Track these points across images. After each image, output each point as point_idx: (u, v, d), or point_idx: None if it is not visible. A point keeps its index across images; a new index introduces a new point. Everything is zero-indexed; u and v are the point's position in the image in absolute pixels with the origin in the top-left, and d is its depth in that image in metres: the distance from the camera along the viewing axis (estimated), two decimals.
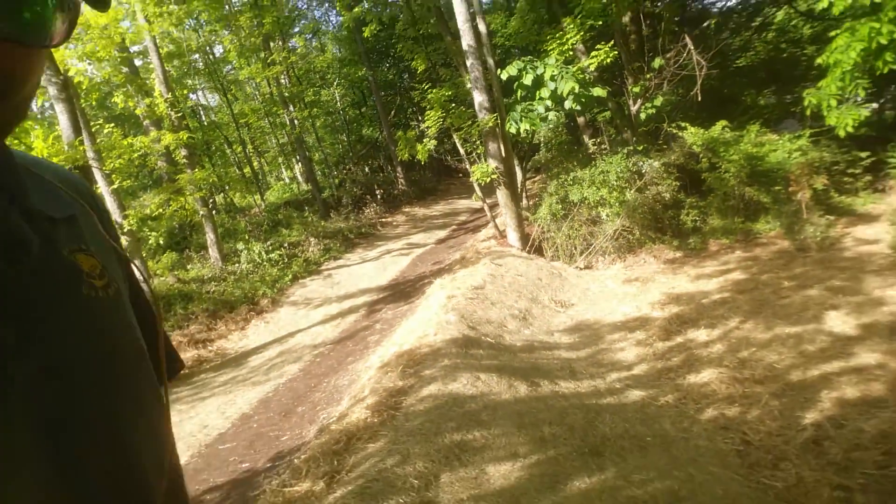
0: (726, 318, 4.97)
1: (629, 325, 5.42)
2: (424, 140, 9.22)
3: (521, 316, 5.72)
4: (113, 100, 10.82)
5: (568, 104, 8.03)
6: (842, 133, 5.83)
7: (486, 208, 9.18)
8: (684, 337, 4.84)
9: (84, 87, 9.21)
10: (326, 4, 20.51)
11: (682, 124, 8.18)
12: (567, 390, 4.12)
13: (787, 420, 3.27)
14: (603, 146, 9.83)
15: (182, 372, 6.57)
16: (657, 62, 8.70)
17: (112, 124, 9.60)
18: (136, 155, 8.54)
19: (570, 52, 8.81)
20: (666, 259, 7.25)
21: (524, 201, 9.51)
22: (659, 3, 10.69)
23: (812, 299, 4.89)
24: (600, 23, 9.10)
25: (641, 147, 8.62)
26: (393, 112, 18.09)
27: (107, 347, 0.49)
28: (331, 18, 21.97)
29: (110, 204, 8.58)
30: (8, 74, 0.37)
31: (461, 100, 10.26)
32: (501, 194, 8.19)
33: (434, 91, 9.38)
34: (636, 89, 9.02)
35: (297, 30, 18.60)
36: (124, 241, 8.37)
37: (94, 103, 11.40)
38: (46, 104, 10.62)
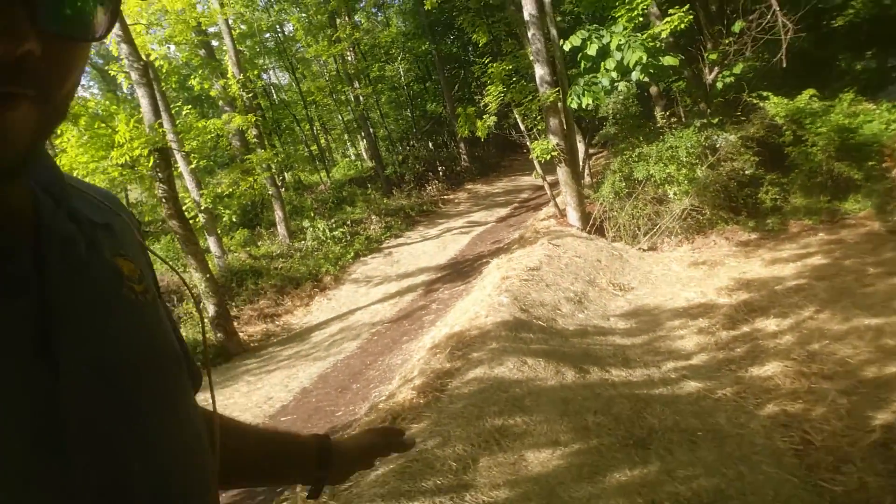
0: (800, 307, 4.62)
1: (692, 311, 5.16)
2: (484, 116, 9.07)
3: (577, 299, 5.60)
4: (190, 81, 11.42)
5: (635, 75, 7.60)
6: None
7: (546, 186, 8.96)
8: (751, 326, 4.56)
9: (164, 71, 9.78)
10: None
11: (764, 93, 7.54)
12: (617, 378, 4.01)
13: (854, 420, 3.02)
14: (674, 119, 9.26)
15: (252, 344, 7.02)
16: (737, 25, 8.01)
17: (190, 106, 10.17)
18: (209, 136, 9.00)
19: (641, 19, 8.29)
20: (739, 241, 6.81)
21: (586, 179, 9.20)
22: None
23: None
24: None
25: (716, 120, 8.04)
26: (457, 86, 17.91)
27: (149, 350, 0.50)
28: None
29: (189, 183, 9.16)
30: (51, 72, 0.38)
31: (523, 73, 9.97)
32: (562, 172, 7.96)
33: (494, 65, 9.17)
34: (713, 56, 8.37)
35: (362, 5, 18.71)
36: (201, 218, 8.93)
37: (173, 86, 12.08)
38: (127, 89, 11.30)
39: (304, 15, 14.55)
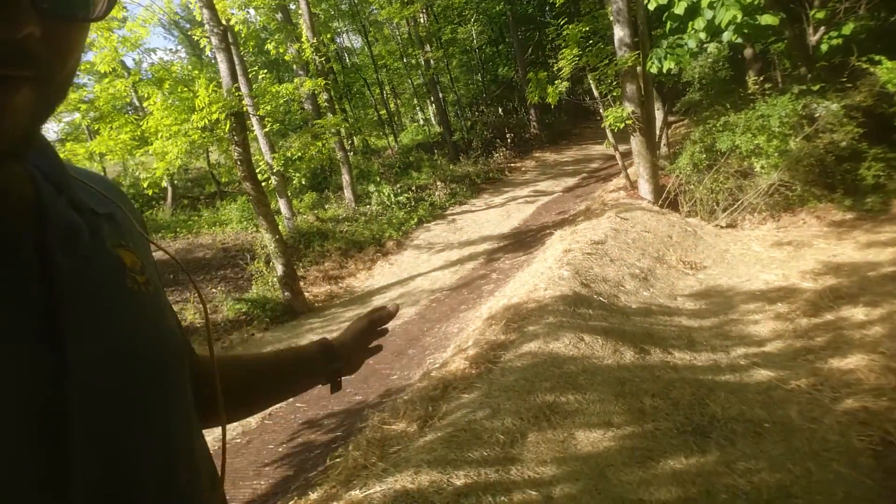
0: (895, 297, 4.17)
1: (770, 295, 4.80)
2: (556, 82, 8.70)
3: (643, 276, 5.35)
4: (267, 45, 11.71)
5: (727, 36, 6.95)
6: None
7: (617, 156, 8.55)
8: (836, 314, 4.18)
9: (243, 36, 10.07)
10: None
11: (877, 57, 6.69)
12: (680, 361, 3.83)
13: None
14: (769, 85, 8.46)
15: (317, 304, 7.30)
16: None
17: (266, 70, 10.46)
18: (282, 101, 9.24)
19: None
20: (831, 221, 6.22)
21: (663, 149, 8.67)
22: None
23: None
24: None
25: (818, 86, 7.26)
26: (530, 49, 17.28)
27: (152, 340, 0.51)
28: None
29: (263, 146, 9.50)
30: (51, 53, 0.38)
31: (601, 35, 9.42)
32: (636, 142, 7.54)
33: (570, 26, 8.71)
34: (820, 14, 7.51)
35: None
36: (273, 180, 9.28)
37: (251, 50, 12.44)
38: (209, 53, 11.75)
39: None
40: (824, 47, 7.65)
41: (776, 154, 6.57)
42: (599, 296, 4.84)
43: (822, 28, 7.53)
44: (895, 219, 5.81)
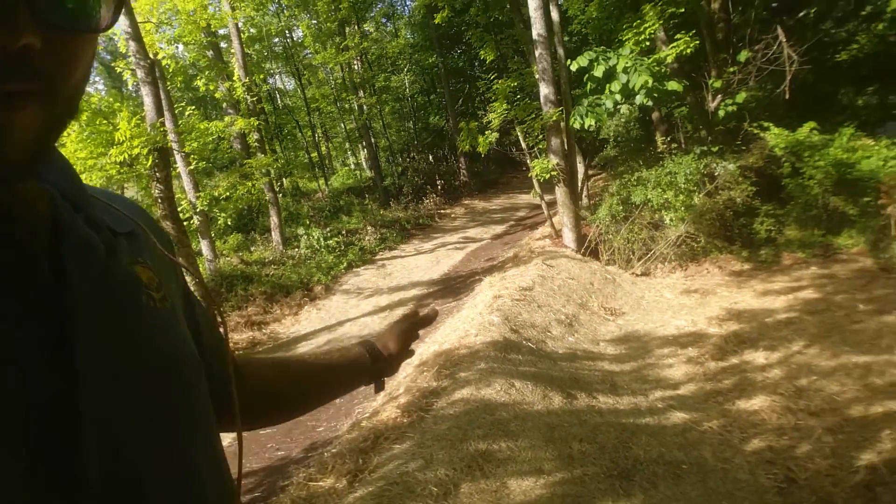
0: (789, 341, 4.60)
1: (682, 339, 5.14)
2: (486, 132, 9.10)
3: (568, 322, 5.57)
4: (196, 82, 11.43)
5: (639, 99, 7.63)
6: None
7: (543, 206, 8.97)
8: (740, 358, 4.54)
9: (170, 70, 9.78)
10: None
11: (765, 124, 7.59)
12: (604, 405, 3.98)
13: (839, 459, 3.00)
14: (674, 145, 9.30)
15: (237, 352, 6.94)
16: (743, 55, 8.08)
17: (193, 107, 10.17)
18: (210, 138, 8.99)
19: (648, 43, 8.36)
20: (732, 271, 6.81)
21: (584, 200, 9.21)
22: None
23: (888, 327, 4.44)
24: (682, 10, 8.55)
25: (717, 147, 8.07)
26: (461, 100, 17.99)
27: (168, 356, 0.51)
28: (407, 3, 22.08)
29: (186, 184, 9.13)
30: (55, 65, 0.37)
31: (528, 91, 10.02)
32: (560, 192, 7.97)
33: (500, 82, 9.21)
34: (717, 84, 8.43)
35: (372, 14, 18.84)
36: (196, 220, 8.90)
37: (178, 86, 12.09)
38: (132, 87, 11.31)
39: (314, 21, 14.63)
40: (721, 113, 8.57)
41: (683, 208, 7.18)
42: (528, 341, 4.97)
43: (720, 96, 8.45)
44: (786, 269, 6.46)
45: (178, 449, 0.49)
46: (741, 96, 8.32)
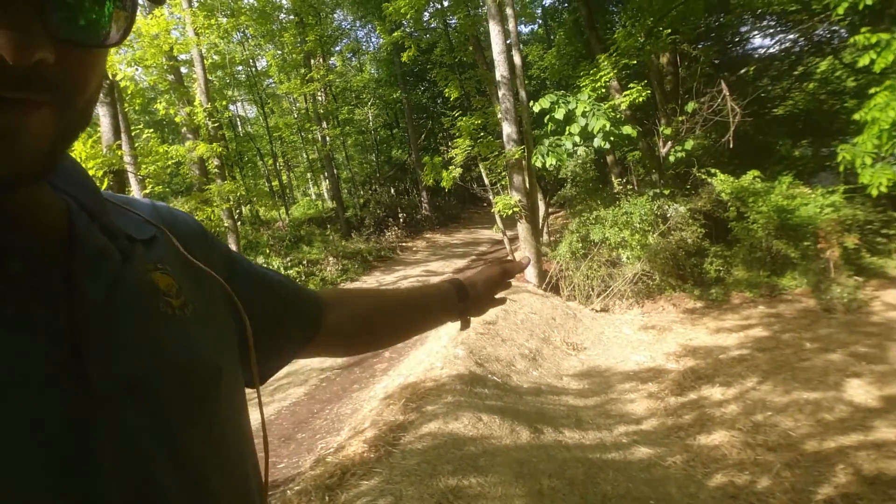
0: (743, 377, 4.80)
1: (642, 375, 5.27)
2: (450, 167, 9.27)
3: (531, 356, 5.63)
4: (155, 105, 11.17)
5: (597, 141, 8.00)
6: (874, 192, 5.66)
7: (505, 241, 9.14)
8: (698, 393, 4.69)
9: (129, 92, 9.54)
10: (369, 26, 21.05)
11: (712, 170, 8.07)
12: (571, 440, 4.01)
13: (798, 493, 3.12)
14: (629, 186, 9.74)
15: None
16: (690, 106, 8.64)
17: (151, 130, 9.91)
18: (170, 162, 8.76)
19: (603, 90, 8.82)
20: (685, 308, 7.09)
21: (545, 237, 9.45)
22: (698, 46, 10.64)
23: (834, 364, 4.71)
24: (634, 62, 9.11)
25: (668, 191, 8.52)
26: (423, 136, 18.30)
27: (185, 366, 0.49)
28: (372, 39, 22.51)
29: None
30: (67, 78, 0.38)
31: (490, 129, 10.31)
32: (522, 228, 8.16)
33: (464, 119, 9.45)
34: (667, 131, 8.96)
35: (338, 49, 19.08)
36: None
37: (137, 108, 11.79)
38: None
39: (279, 52, 14.67)
40: (672, 158, 9.08)
41: (638, 247, 7.47)
42: (494, 375, 4.98)
43: (669, 143, 8.96)
44: (736, 308, 6.78)
45: (194, 461, 0.49)
46: (689, 143, 8.87)
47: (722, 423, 4.08)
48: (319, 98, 15.30)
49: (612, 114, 8.05)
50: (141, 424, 0.44)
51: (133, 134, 8.81)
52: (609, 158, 11.85)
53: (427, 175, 9.75)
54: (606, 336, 6.52)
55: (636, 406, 4.69)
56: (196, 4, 11.01)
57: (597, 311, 7.36)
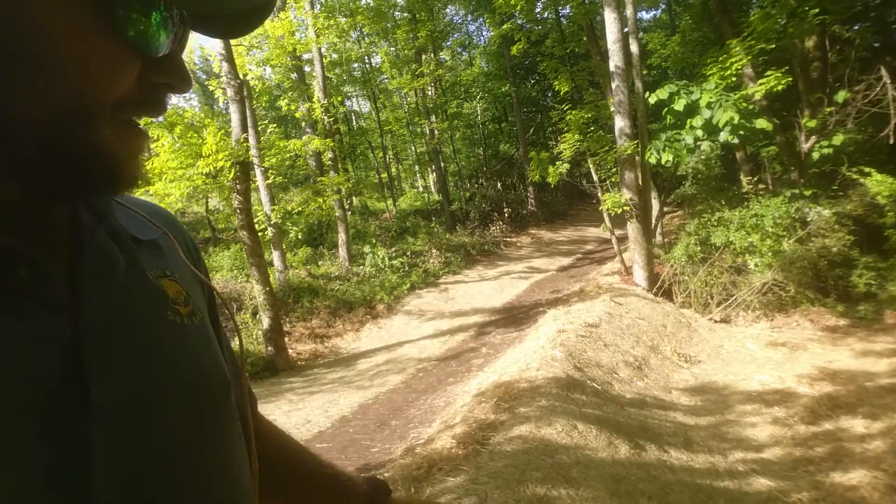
0: (894, 410, 4.08)
1: (767, 397, 4.70)
2: (557, 163, 8.95)
3: (637, 364, 5.24)
4: (279, 102, 12.03)
5: (723, 136, 7.27)
6: None
7: (613, 241, 8.65)
8: (835, 424, 4.07)
9: (257, 90, 10.35)
10: (480, 20, 21.04)
11: (866, 169, 6.99)
12: (677, 462, 3.65)
13: None
14: (761, 185, 8.76)
15: (299, 363, 7.04)
16: (841, 95, 7.54)
17: (275, 125, 10.69)
18: (288, 155, 9.36)
19: (734, 78, 8.00)
20: (825, 325, 6.22)
21: (658, 238, 8.81)
22: (853, 28, 9.27)
23: None
24: (773, 46, 8.14)
25: (810, 191, 7.51)
26: (532, 130, 17.95)
27: (193, 376, 0.48)
28: (483, 33, 22.48)
29: (263, 197, 9.53)
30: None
31: (602, 123, 9.82)
32: (632, 228, 7.65)
33: (573, 112, 9.08)
34: (811, 124, 7.90)
35: (448, 43, 19.29)
36: (269, 232, 9.22)
37: (263, 105, 12.77)
38: (223, 104, 12.03)
39: (392, 49, 15.13)
40: (816, 155, 8.00)
41: (770, 253, 6.68)
42: (593, 381, 4.70)
43: (814, 137, 7.90)
44: (889, 329, 5.83)
45: (197, 476, 0.47)
46: (838, 138, 7.74)
47: (863, 460, 3.50)
48: (429, 92, 15.57)
49: (744, 105, 7.26)
50: (141, 441, 0.42)
51: (259, 128, 9.52)
52: (738, 154, 10.76)
53: (533, 171, 9.52)
54: (726, 350, 5.92)
55: (758, 431, 4.19)
56: (318, 7, 11.66)
57: (715, 321, 6.71)
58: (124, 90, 0.39)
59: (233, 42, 8.75)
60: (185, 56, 0.45)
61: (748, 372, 5.22)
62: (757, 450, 3.92)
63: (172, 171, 7.62)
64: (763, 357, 5.58)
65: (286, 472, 0.70)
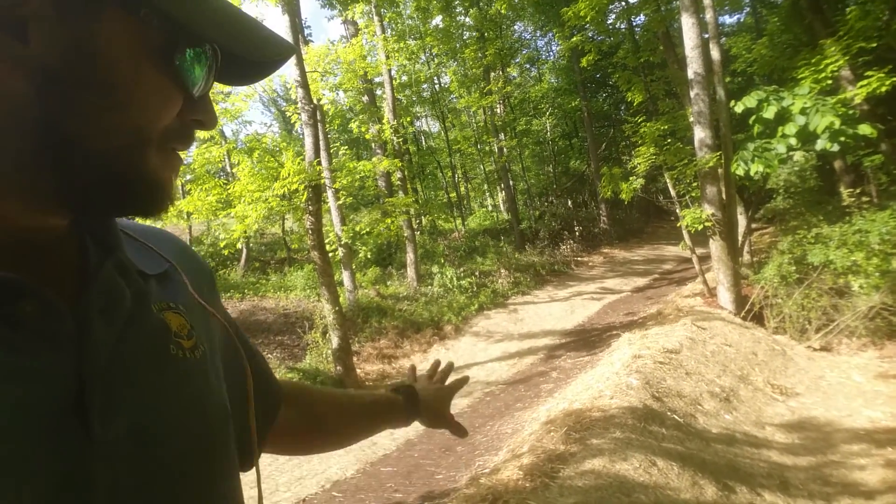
0: None
1: (877, 436, 4.14)
2: (631, 178, 8.57)
3: (724, 396, 4.80)
4: (350, 125, 12.45)
5: (821, 143, 6.63)
6: None
7: (694, 260, 8.12)
8: None
9: (330, 114, 10.77)
10: (549, 35, 20.87)
11: None
12: None
13: None
14: (865, 198, 7.93)
15: (367, 382, 7.07)
16: None
17: (346, 147, 11.04)
18: (358, 176, 9.60)
19: (829, 81, 7.34)
20: None
21: (745, 256, 8.16)
22: None
23: None
24: (874, 45, 7.41)
25: None
26: (604, 145, 17.46)
27: (194, 411, 0.49)
28: (552, 48, 22.26)
29: (334, 218, 9.80)
30: None
31: (680, 135, 9.33)
32: (715, 246, 7.13)
33: (648, 125, 8.68)
34: None
35: (517, 60, 19.25)
36: (340, 252, 9.45)
37: (336, 128, 13.24)
38: (299, 128, 12.63)
39: (460, 68, 15.28)
40: None
41: (877, 274, 5.98)
42: (674, 413, 4.34)
43: None
44: None
45: None
46: None
47: None
48: (497, 110, 15.55)
49: (843, 109, 6.62)
50: (142, 477, 0.42)
51: (331, 151, 9.85)
52: (837, 164, 9.83)
53: (605, 187, 9.18)
54: (828, 381, 5.32)
55: (867, 475, 3.69)
56: (389, 32, 12.01)
57: (814, 349, 6.06)
58: (168, 123, 0.43)
59: (307, 69, 9.14)
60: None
61: (854, 407, 4.65)
62: (867, 496, 3.44)
63: (251, 193, 7.99)
64: (872, 390, 4.95)
65: (335, 416, 0.86)
